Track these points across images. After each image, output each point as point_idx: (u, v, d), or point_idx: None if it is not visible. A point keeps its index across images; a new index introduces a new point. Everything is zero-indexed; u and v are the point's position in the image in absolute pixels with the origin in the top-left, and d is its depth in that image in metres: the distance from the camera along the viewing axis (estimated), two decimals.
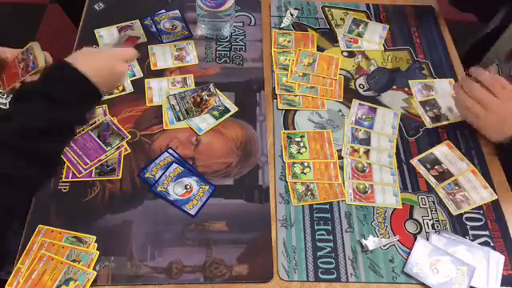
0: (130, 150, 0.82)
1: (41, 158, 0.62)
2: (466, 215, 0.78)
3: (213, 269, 0.70)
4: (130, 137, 0.83)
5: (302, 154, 0.83)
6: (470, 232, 0.76)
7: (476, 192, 0.80)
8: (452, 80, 0.96)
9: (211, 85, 0.91)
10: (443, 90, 0.94)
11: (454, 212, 0.78)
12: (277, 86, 0.92)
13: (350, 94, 0.92)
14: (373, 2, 1.09)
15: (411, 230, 0.76)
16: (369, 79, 0.95)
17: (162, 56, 0.95)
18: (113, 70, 0.73)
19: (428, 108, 0.91)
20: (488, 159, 0.85)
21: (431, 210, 0.78)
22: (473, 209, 0.79)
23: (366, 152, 0.84)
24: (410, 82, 0.95)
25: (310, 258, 0.72)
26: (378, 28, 1.04)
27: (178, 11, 1.03)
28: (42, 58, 0.80)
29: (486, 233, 0.76)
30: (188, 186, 0.78)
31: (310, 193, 0.79)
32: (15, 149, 0.59)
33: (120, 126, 0.84)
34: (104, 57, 0.73)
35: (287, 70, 0.95)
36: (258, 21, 1.04)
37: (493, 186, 0.81)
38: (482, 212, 0.79)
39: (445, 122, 0.89)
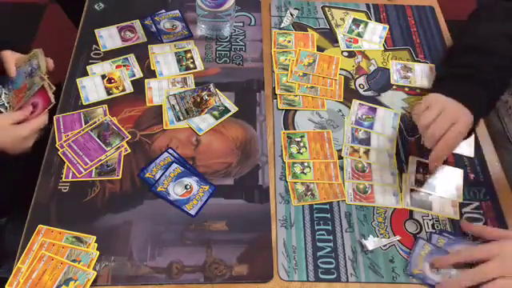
0: (129, 150, 0.82)
1: None
2: (465, 215, 0.78)
3: (213, 269, 0.70)
4: (130, 137, 0.83)
5: (302, 153, 0.83)
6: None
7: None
8: (433, 65, 0.97)
9: (211, 85, 0.91)
10: (421, 73, 0.96)
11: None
12: (277, 86, 0.92)
13: (350, 94, 0.92)
14: (373, 2, 1.09)
15: (411, 230, 0.76)
16: (369, 79, 0.95)
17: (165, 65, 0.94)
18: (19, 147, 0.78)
19: None
20: (489, 161, 0.85)
21: None
22: (473, 209, 0.79)
23: (366, 152, 0.84)
24: (390, 61, 0.98)
25: (310, 257, 0.72)
26: (378, 28, 1.04)
27: (178, 11, 1.03)
28: (44, 65, 0.83)
29: None
30: (188, 186, 0.78)
31: (310, 193, 0.79)
32: None
33: (120, 126, 0.84)
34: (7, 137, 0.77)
35: (287, 69, 0.95)
36: (258, 21, 1.04)
37: (493, 186, 0.82)
38: (482, 212, 0.79)
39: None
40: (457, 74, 0.78)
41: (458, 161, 0.84)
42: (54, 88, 0.83)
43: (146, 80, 0.91)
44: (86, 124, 0.84)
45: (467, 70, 0.77)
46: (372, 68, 0.97)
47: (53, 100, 0.81)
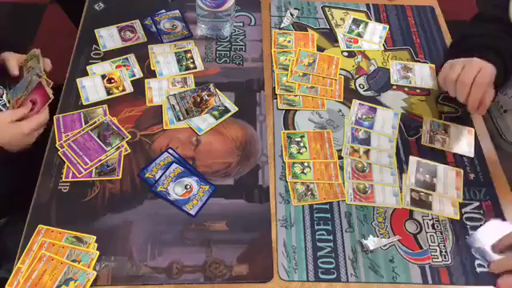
0: (130, 150, 0.82)
1: None
2: (465, 215, 0.78)
3: (213, 269, 0.70)
4: (130, 137, 0.83)
5: (302, 153, 0.83)
6: (470, 232, 0.76)
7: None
8: (433, 66, 0.97)
9: (211, 85, 0.91)
10: (421, 73, 0.96)
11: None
12: (277, 86, 0.92)
13: (349, 94, 0.92)
14: (373, 2, 1.09)
15: (411, 230, 0.76)
16: (369, 79, 0.95)
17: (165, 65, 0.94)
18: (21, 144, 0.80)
19: None
20: (489, 161, 0.85)
21: None
22: (473, 209, 0.79)
23: (366, 152, 0.84)
24: (390, 61, 0.98)
25: (310, 258, 0.72)
26: (378, 28, 1.04)
27: (177, 11, 1.03)
28: (42, 65, 0.84)
29: None
30: (188, 186, 0.78)
31: (310, 193, 0.79)
32: None
33: (120, 126, 0.84)
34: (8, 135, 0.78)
35: (287, 69, 0.95)
36: (258, 21, 1.04)
37: (493, 186, 0.82)
38: (482, 212, 0.79)
39: None
40: (464, 49, 0.82)
41: (458, 161, 0.85)
42: (52, 83, 0.83)
43: (145, 80, 0.91)
44: (85, 124, 0.84)
45: (472, 40, 0.83)
46: (372, 68, 0.97)
47: (51, 95, 0.81)
